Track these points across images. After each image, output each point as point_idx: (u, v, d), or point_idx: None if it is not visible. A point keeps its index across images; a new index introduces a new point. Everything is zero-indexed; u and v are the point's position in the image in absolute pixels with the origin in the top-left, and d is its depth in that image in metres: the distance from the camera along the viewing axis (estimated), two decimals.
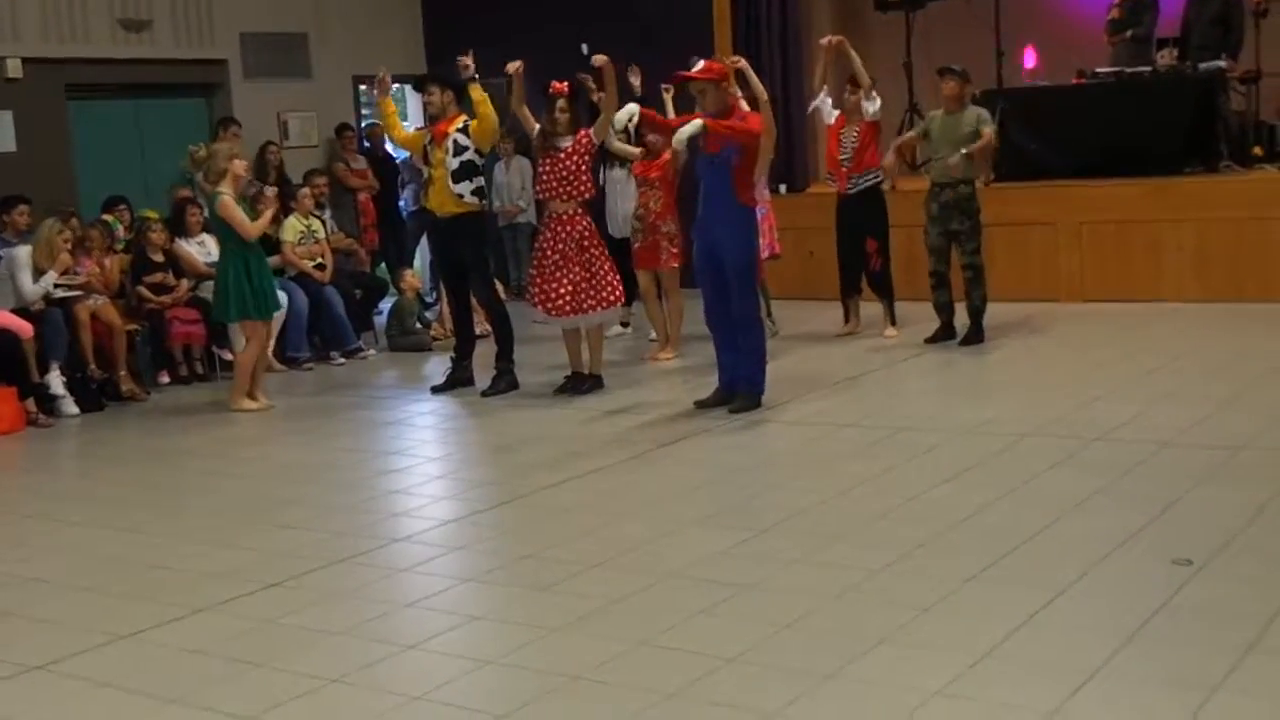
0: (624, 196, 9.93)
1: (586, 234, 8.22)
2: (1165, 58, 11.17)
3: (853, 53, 9.38)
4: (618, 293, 8.33)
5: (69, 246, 9.04)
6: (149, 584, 5.19)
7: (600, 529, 5.56)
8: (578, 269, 8.14)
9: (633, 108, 7.53)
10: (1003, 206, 10.60)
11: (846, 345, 9.58)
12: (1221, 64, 10.91)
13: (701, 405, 7.69)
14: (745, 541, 5.24)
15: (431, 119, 8.66)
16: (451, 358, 8.96)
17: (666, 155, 9.17)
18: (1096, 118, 11.09)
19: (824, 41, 9.76)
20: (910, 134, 9.91)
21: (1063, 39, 12.38)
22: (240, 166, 8.52)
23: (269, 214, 8.67)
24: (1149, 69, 11.19)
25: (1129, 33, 11.63)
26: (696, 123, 7.23)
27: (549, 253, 8.20)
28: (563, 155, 8.18)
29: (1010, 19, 12.19)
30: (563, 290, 8.13)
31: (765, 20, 12.59)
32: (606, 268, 8.27)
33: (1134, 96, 11.08)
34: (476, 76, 8.42)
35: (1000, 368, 8.69)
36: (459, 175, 8.44)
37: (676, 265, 9.39)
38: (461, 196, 8.47)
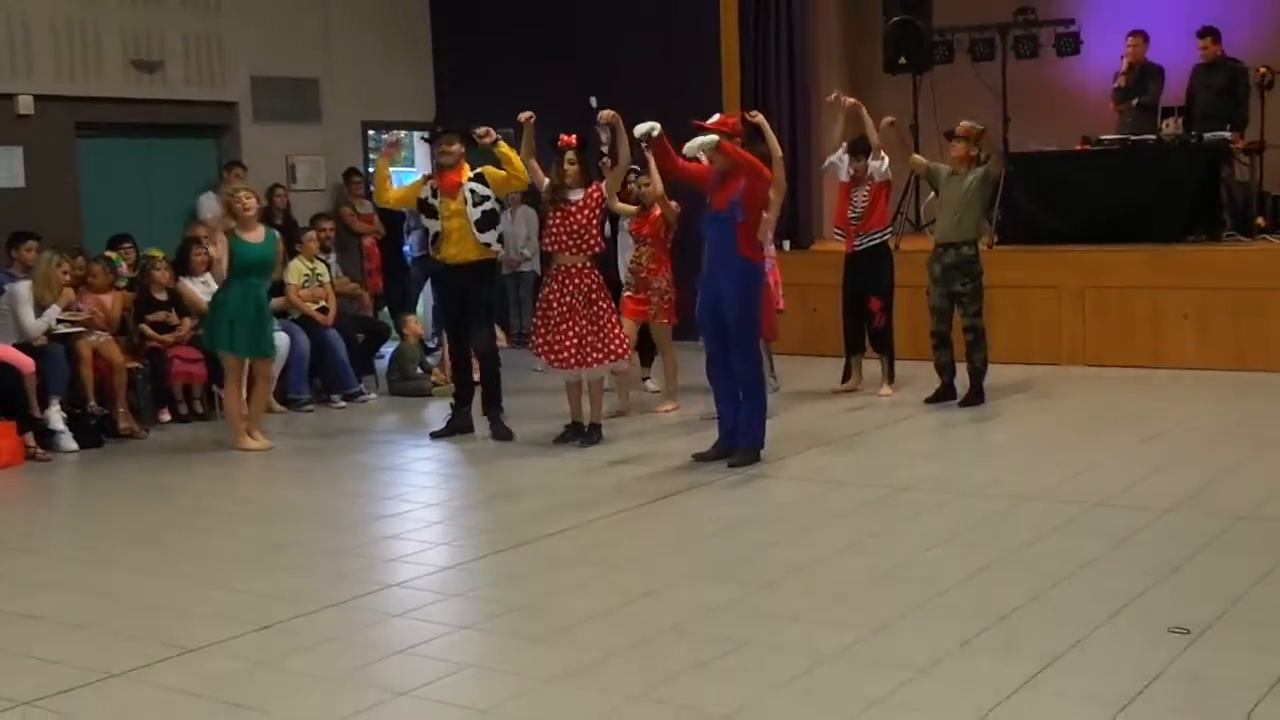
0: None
1: (595, 288, 8.23)
2: (1170, 127, 11.25)
3: (867, 117, 9.43)
4: (623, 347, 8.34)
5: (68, 280, 9.08)
6: (142, 623, 5.17)
7: (597, 580, 5.54)
8: (584, 322, 8.15)
9: (655, 125, 7.53)
10: (1006, 269, 10.64)
11: (847, 402, 9.58)
12: (1226, 134, 10.99)
13: (701, 458, 7.68)
14: (742, 597, 5.22)
15: (441, 168, 8.69)
16: (451, 404, 8.96)
17: (657, 211, 9.17)
18: (1101, 184, 11.16)
19: (831, 98, 9.82)
20: (925, 161, 9.70)
21: (1068, 105, 12.47)
22: (241, 209, 8.58)
23: (216, 250, 8.69)
24: (1154, 137, 11.27)
25: (1135, 101, 11.72)
26: (712, 137, 7.26)
27: (555, 304, 8.20)
28: (574, 209, 8.20)
29: (1016, 84, 12.29)
30: (567, 343, 8.14)
31: (774, 79, 12.69)
32: (613, 321, 8.29)
33: (1138, 164, 11.16)
34: (499, 139, 8.43)
35: (1000, 430, 8.69)
36: (484, 224, 8.52)
37: (667, 322, 9.38)
38: (488, 245, 8.57)
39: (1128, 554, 5.66)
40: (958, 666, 4.41)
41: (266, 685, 4.47)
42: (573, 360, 8.16)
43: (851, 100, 9.62)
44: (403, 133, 9.10)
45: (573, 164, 8.22)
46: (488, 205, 8.52)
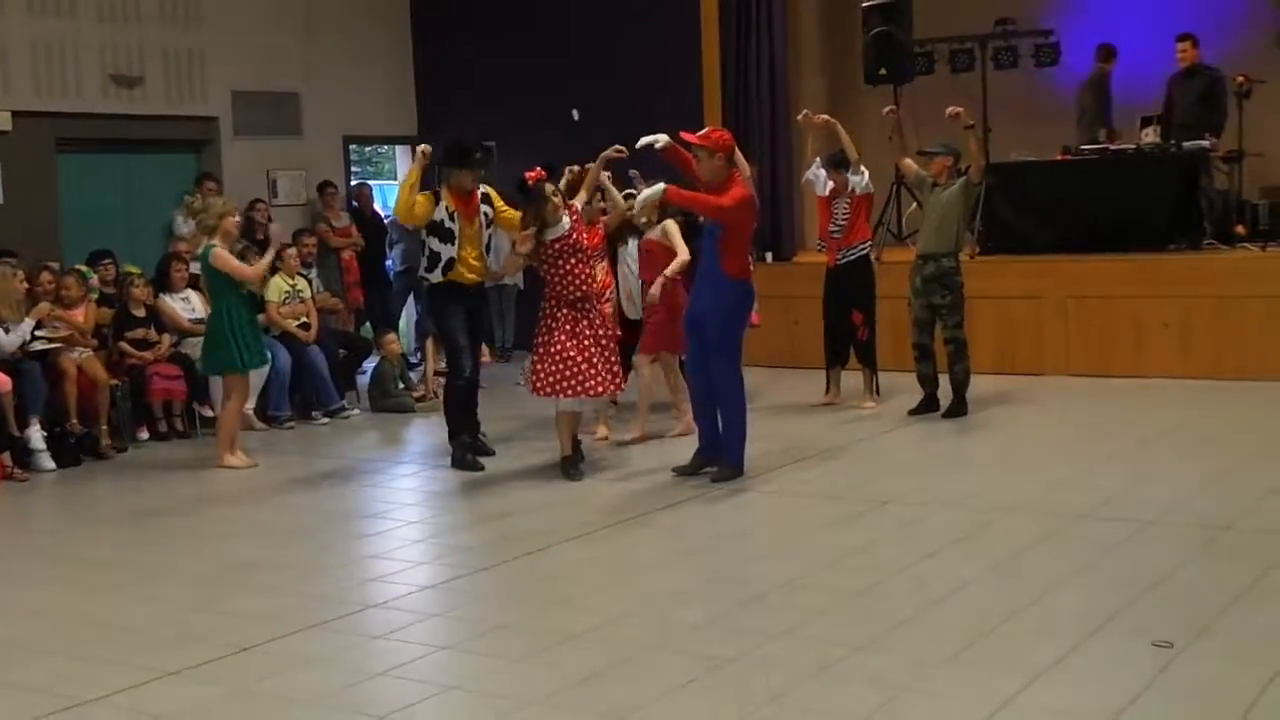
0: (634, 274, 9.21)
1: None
2: (1149, 135, 11.27)
3: (842, 132, 9.39)
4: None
5: (25, 291, 8.98)
6: (119, 646, 5.11)
7: (579, 599, 5.50)
8: (613, 344, 8.00)
9: (663, 136, 7.39)
10: (989, 280, 10.65)
11: (829, 415, 9.56)
12: (1205, 143, 11.01)
13: (681, 472, 7.65)
14: (725, 614, 5.19)
15: (465, 191, 8.20)
16: (461, 439, 8.36)
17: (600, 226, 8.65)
18: (1081, 193, 11.18)
19: (800, 117, 9.75)
20: (915, 168, 9.60)
21: (1048, 115, 12.48)
22: (232, 224, 8.58)
23: (271, 253, 8.87)
24: (1134, 146, 11.30)
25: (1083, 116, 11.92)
26: (658, 187, 7.27)
27: (603, 337, 7.81)
28: (589, 252, 7.84)
29: (996, 94, 12.30)
30: (614, 363, 7.88)
31: (755, 91, 12.67)
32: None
33: (1119, 173, 11.19)
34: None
35: (984, 441, 8.68)
36: (488, 247, 8.46)
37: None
38: (489, 268, 8.55)
39: (1111, 566, 5.64)
40: (943, 683, 4.39)
41: (244, 710, 4.42)
42: (619, 379, 8.01)
43: (823, 117, 9.56)
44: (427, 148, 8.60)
45: (556, 193, 7.81)
46: (490, 229, 8.42)
